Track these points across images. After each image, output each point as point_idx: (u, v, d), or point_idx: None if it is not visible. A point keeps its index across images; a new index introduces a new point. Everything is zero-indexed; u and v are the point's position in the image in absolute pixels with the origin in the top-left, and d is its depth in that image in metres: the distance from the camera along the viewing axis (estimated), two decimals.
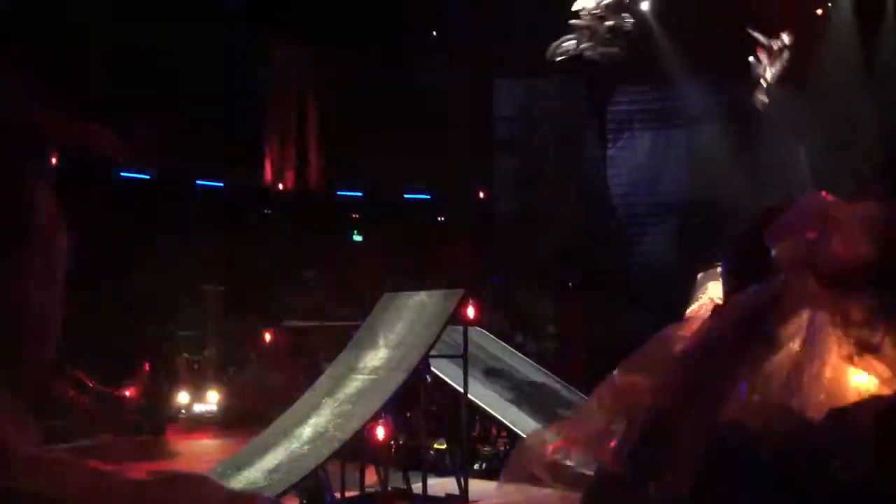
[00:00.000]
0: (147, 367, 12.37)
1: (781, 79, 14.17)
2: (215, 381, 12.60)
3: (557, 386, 8.69)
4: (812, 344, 1.14)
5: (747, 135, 15.03)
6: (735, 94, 15.55)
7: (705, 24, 13.88)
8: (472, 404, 7.72)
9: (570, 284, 15.19)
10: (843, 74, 13.75)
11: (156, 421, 11.75)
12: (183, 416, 12.22)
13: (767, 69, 10.14)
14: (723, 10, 13.64)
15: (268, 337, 13.21)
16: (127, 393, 12.08)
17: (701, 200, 15.19)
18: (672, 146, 16.12)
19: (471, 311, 8.33)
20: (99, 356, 12.10)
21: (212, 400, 12.50)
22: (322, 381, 8.27)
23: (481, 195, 16.51)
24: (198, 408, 12.35)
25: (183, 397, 12.31)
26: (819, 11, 14.49)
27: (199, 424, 12.07)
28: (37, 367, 0.70)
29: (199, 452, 10.67)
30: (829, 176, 13.61)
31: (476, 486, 7.68)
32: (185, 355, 13.02)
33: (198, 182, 14.67)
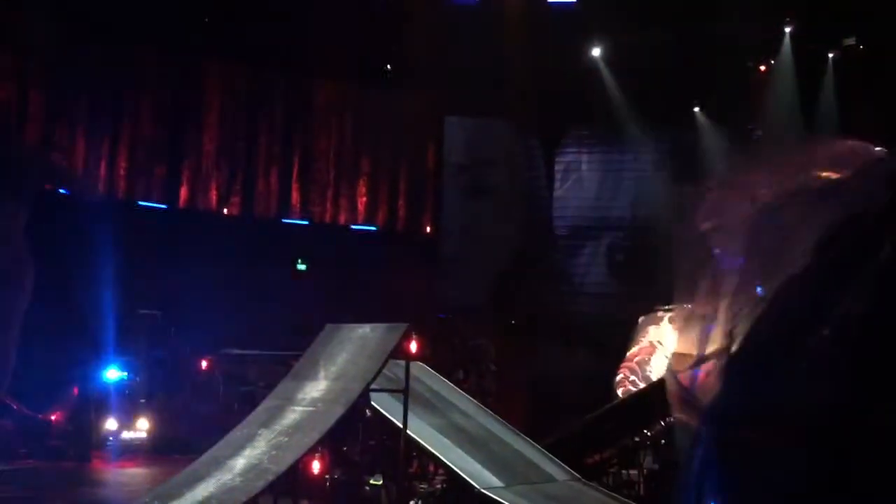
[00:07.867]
0: (76, 391, 11.97)
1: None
2: (146, 408, 12.24)
3: (497, 424, 8.65)
4: None
5: (689, 174, 15.36)
6: (678, 138, 15.92)
7: (651, 70, 14.28)
8: (410, 440, 7.62)
9: (513, 322, 15.23)
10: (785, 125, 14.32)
11: (81, 447, 11.36)
12: (111, 443, 11.83)
13: None
14: (666, 57, 14.07)
15: (204, 364, 12.91)
16: (53, 417, 11.67)
17: (640, 226, 15.40)
18: (620, 188, 16.38)
19: (413, 346, 8.28)
20: (26, 379, 11.68)
21: (142, 427, 12.13)
22: (258, 412, 8.09)
23: (428, 230, 16.51)
24: (127, 435, 11.97)
25: (111, 424, 11.92)
26: (762, 68, 15.10)
27: (128, 452, 11.71)
28: None
29: (124, 481, 10.35)
30: None
31: None
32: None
33: (140, 203, 14.37)
